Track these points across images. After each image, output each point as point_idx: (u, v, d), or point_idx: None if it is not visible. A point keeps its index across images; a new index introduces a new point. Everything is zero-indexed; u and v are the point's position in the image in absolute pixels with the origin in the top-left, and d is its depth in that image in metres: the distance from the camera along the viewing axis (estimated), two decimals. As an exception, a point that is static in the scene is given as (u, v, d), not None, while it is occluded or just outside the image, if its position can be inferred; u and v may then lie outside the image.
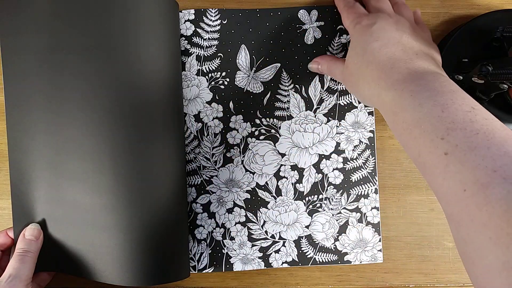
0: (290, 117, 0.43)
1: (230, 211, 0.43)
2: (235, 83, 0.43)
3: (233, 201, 0.43)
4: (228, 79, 0.43)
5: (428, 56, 0.34)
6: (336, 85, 0.43)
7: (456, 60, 0.41)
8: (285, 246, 0.42)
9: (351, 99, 0.43)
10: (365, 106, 0.43)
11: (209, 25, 0.43)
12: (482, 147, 0.25)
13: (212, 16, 0.43)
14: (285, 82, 0.43)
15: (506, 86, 0.35)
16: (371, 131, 0.43)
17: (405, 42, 0.34)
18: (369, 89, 0.34)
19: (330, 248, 0.42)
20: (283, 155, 0.43)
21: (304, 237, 0.42)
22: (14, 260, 0.35)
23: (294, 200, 0.43)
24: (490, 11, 0.42)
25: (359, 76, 0.35)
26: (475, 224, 0.24)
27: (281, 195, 0.43)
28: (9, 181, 0.38)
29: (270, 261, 0.42)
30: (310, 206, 0.43)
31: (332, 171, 0.43)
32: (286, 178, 0.43)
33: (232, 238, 0.42)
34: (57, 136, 0.38)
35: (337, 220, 0.43)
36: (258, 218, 0.43)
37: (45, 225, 0.38)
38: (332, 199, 0.43)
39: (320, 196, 0.43)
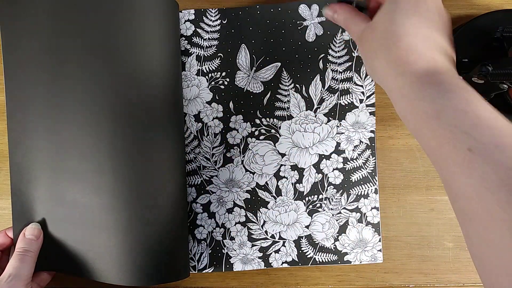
0: (290, 117, 0.43)
1: (230, 211, 0.43)
2: (235, 83, 0.43)
3: (233, 201, 0.43)
4: (228, 79, 0.43)
5: (452, 56, 0.33)
6: (337, 85, 0.43)
7: (456, 60, 0.41)
8: (285, 246, 0.42)
9: (352, 98, 0.43)
10: (367, 106, 0.43)
11: (209, 25, 0.43)
12: (509, 146, 0.25)
13: (212, 16, 0.43)
14: (286, 82, 0.43)
15: (506, 86, 0.35)
16: (371, 131, 0.43)
17: (439, 33, 0.32)
18: (386, 67, 0.32)
19: (330, 248, 0.42)
20: (283, 155, 0.43)
21: (304, 237, 0.42)
22: (14, 259, 0.35)
23: (294, 200, 0.43)
24: (490, 11, 0.42)
25: (380, 47, 0.33)
26: (497, 225, 0.24)
27: (281, 195, 0.43)
28: (9, 181, 0.38)
29: (270, 261, 0.42)
30: (310, 206, 0.43)
31: (332, 171, 0.43)
32: (286, 178, 0.43)
33: (232, 238, 0.42)
34: (57, 136, 0.38)
35: (337, 220, 0.43)
36: (258, 218, 0.43)
37: (45, 224, 0.38)
38: (332, 199, 0.43)
39: (320, 196, 0.43)
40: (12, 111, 0.38)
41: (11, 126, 0.38)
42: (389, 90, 0.33)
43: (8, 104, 0.38)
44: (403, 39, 0.31)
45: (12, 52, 0.38)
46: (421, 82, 0.30)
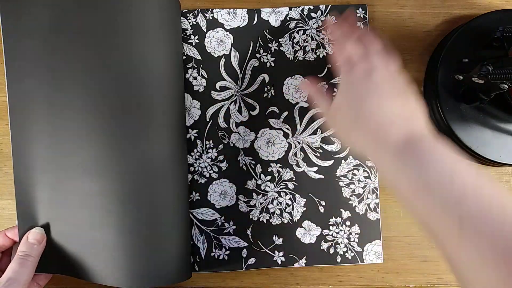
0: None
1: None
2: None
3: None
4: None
5: (421, 118, 0.33)
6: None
7: (456, 60, 0.41)
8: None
9: None
10: None
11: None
12: (497, 213, 0.25)
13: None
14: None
15: (506, 86, 0.35)
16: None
17: (400, 102, 0.33)
18: (364, 142, 0.33)
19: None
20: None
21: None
22: (15, 263, 0.35)
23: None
24: (490, 11, 0.42)
25: (351, 131, 0.34)
26: None
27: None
28: (10, 181, 0.38)
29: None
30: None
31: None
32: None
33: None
34: (58, 137, 0.37)
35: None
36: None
37: (48, 227, 0.38)
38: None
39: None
40: (14, 112, 0.38)
41: (14, 128, 0.38)
42: (375, 164, 0.34)
43: (10, 105, 0.38)
44: (367, 119, 0.33)
45: (14, 52, 0.38)
46: (400, 155, 0.30)
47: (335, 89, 0.43)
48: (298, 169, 0.43)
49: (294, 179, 0.43)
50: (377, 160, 0.33)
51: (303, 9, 0.43)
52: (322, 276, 0.43)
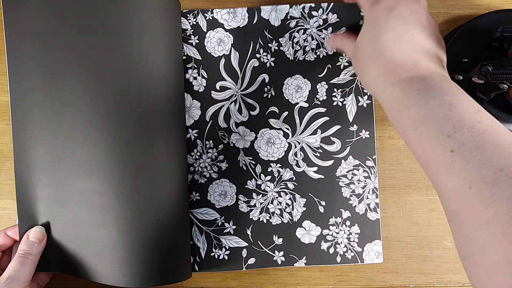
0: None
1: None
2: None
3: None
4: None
5: (437, 57, 0.34)
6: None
7: (456, 60, 0.41)
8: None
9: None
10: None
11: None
12: (489, 146, 0.25)
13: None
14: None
15: (506, 86, 0.35)
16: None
17: (418, 38, 0.33)
18: (374, 82, 0.34)
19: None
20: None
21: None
22: (15, 261, 0.35)
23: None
24: (490, 11, 0.42)
25: (366, 66, 0.35)
26: (479, 221, 0.24)
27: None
28: (10, 181, 0.38)
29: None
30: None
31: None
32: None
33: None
34: (59, 136, 0.38)
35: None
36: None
37: (48, 226, 0.38)
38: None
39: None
40: (16, 111, 0.38)
41: (15, 128, 0.38)
42: (382, 101, 0.34)
43: (12, 105, 0.38)
44: (382, 54, 0.33)
45: (16, 51, 0.38)
46: (405, 91, 0.31)
47: None
48: (298, 169, 0.43)
49: (294, 179, 0.43)
50: (383, 99, 0.33)
51: (304, 7, 0.43)
52: (322, 276, 0.43)
